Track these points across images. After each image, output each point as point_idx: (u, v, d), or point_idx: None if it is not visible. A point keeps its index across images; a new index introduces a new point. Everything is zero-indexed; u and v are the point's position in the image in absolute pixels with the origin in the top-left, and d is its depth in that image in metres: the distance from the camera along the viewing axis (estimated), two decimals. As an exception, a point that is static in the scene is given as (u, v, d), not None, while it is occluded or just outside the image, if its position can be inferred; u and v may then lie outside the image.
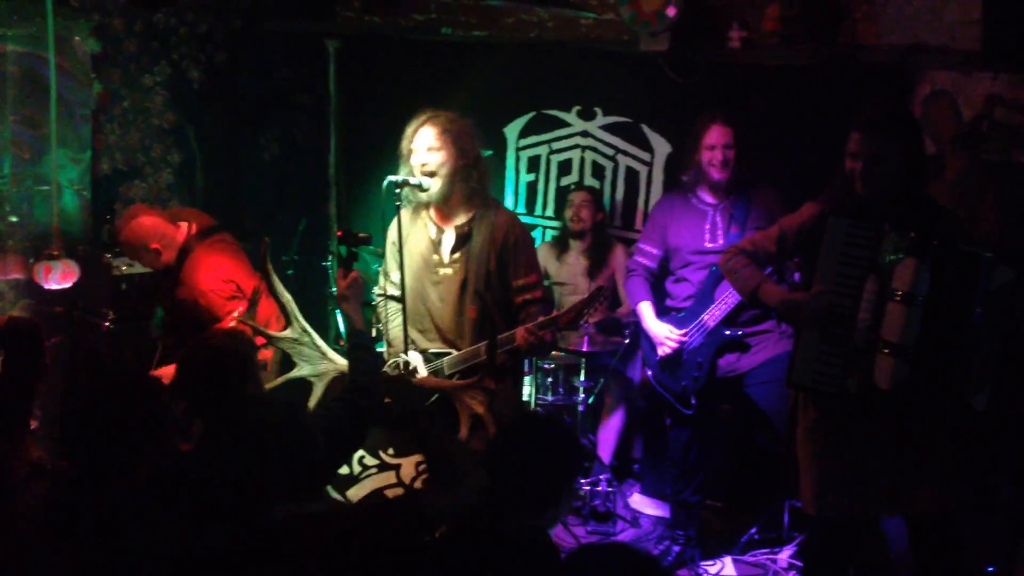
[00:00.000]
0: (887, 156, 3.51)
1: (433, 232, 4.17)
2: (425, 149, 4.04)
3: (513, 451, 2.75)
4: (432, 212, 4.17)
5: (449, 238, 4.15)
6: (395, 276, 4.20)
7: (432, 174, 4.04)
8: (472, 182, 4.09)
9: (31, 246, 5.20)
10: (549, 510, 2.73)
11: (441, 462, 3.02)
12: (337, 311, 6.33)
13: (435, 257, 4.16)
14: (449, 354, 4.11)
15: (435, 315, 4.17)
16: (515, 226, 4.17)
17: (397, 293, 4.18)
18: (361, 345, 3.45)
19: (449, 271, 4.14)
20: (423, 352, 4.16)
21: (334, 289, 6.28)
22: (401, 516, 2.64)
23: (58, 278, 4.81)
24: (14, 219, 5.15)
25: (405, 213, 4.15)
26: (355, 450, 3.60)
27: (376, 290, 4.46)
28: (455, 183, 4.05)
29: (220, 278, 4.66)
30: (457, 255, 4.13)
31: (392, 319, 4.23)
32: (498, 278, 4.11)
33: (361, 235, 3.75)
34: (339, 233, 3.84)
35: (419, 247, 4.19)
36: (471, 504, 2.74)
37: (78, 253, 4.84)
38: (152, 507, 2.52)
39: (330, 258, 6.40)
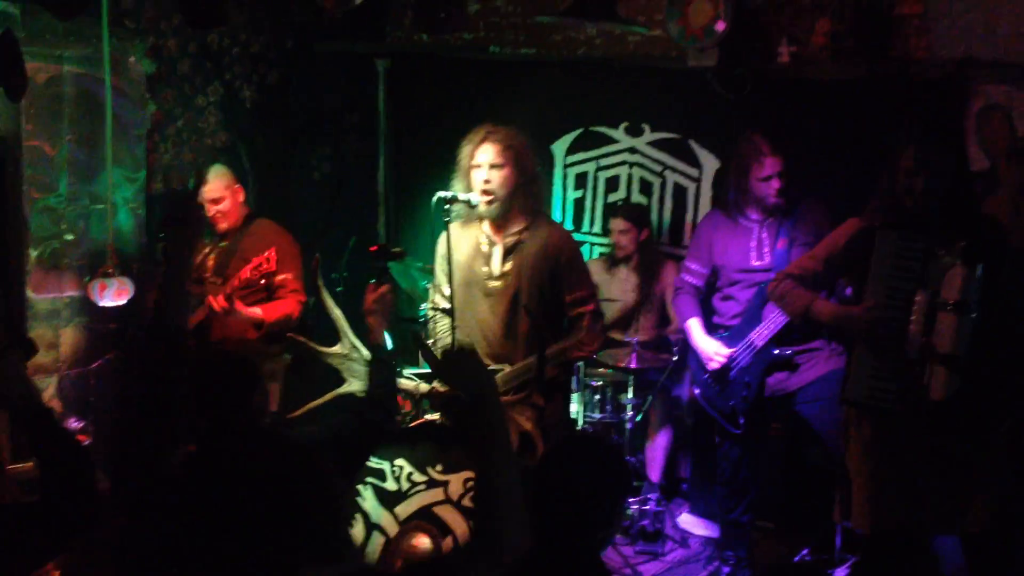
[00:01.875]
0: (944, 169, 3.49)
1: (485, 245, 4.18)
2: (488, 166, 4.06)
3: (561, 472, 2.72)
4: (486, 225, 4.18)
5: (499, 251, 4.16)
6: (447, 289, 4.21)
7: (493, 191, 4.05)
8: (530, 198, 4.10)
9: (86, 264, 5.27)
10: (600, 531, 2.69)
11: (489, 531, 2.81)
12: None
13: (485, 270, 4.17)
14: (500, 371, 4.10)
15: (485, 329, 4.16)
16: (567, 241, 4.19)
17: (449, 306, 4.20)
18: (380, 359, 3.47)
19: (499, 284, 4.14)
20: None
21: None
22: None
23: (112, 295, 4.87)
24: (70, 237, 5.23)
25: (455, 226, 4.16)
26: (363, 463, 3.59)
27: (427, 305, 4.46)
28: (514, 199, 4.07)
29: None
30: (508, 268, 4.13)
31: (445, 334, 4.24)
32: (550, 293, 4.11)
33: (395, 250, 3.75)
34: (373, 249, 3.84)
35: (470, 260, 4.20)
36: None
37: (132, 271, 4.90)
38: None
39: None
